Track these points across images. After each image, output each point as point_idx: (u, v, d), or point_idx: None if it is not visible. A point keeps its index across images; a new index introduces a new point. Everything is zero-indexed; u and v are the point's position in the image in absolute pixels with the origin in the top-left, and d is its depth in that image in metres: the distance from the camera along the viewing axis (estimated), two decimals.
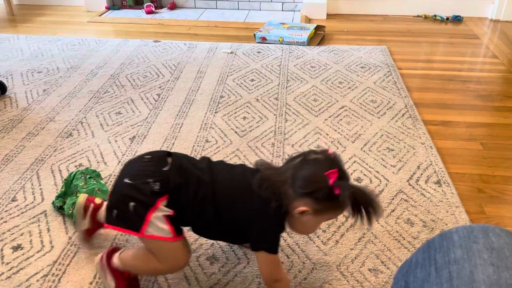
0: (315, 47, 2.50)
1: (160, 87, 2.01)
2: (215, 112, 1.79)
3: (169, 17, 3.09)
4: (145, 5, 3.15)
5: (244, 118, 1.75)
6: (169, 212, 0.86)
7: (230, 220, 0.90)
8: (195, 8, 3.29)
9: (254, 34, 2.59)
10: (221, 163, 0.99)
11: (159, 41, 2.57)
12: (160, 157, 0.92)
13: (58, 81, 2.07)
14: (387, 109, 1.81)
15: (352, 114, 1.77)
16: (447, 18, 2.99)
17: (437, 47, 2.59)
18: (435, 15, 3.03)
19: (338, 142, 1.59)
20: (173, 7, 3.26)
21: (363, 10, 3.13)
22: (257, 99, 1.90)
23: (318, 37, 2.62)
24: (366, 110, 1.80)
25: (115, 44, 2.53)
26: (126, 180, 0.87)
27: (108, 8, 3.21)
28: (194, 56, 2.38)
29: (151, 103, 1.86)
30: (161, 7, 3.26)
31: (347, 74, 2.14)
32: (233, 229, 0.92)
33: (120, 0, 3.25)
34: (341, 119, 1.74)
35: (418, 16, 3.09)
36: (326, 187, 0.79)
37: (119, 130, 1.66)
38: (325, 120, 1.74)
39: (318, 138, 1.61)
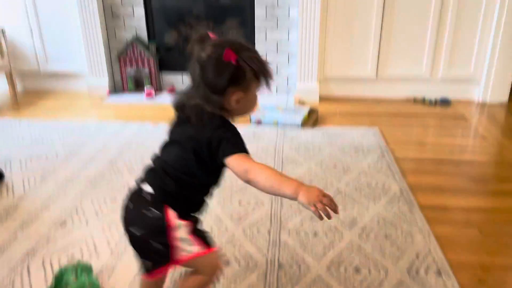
0: (309, 129, 2.57)
1: None
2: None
3: (169, 100, 3.19)
4: (145, 89, 3.27)
5: (239, 203, 1.75)
6: (184, 223, 0.96)
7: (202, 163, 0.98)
8: None
9: (250, 117, 2.67)
10: (165, 148, 1.08)
11: (158, 124, 2.64)
12: (136, 191, 1.06)
13: (56, 167, 2.09)
14: (383, 193, 1.82)
15: (348, 199, 1.78)
16: (435, 102, 3.09)
17: (428, 129, 2.66)
18: (424, 99, 3.14)
19: (335, 228, 1.57)
20: (173, 90, 3.39)
21: (354, 93, 3.25)
22: None
23: (312, 119, 2.70)
24: (361, 195, 1.81)
25: (115, 129, 2.59)
26: (133, 231, 0.96)
27: (110, 93, 3.34)
28: None
29: None
30: (161, 91, 3.39)
31: (341, 157, 2.18)
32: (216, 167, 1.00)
33: (122, 85, 3.39)
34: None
35: (408, 99, 3.21)
36: (234, 69, 0.89)
37: (114, 218, 1.65)
38: None
39: (315, 224, 1.60)
